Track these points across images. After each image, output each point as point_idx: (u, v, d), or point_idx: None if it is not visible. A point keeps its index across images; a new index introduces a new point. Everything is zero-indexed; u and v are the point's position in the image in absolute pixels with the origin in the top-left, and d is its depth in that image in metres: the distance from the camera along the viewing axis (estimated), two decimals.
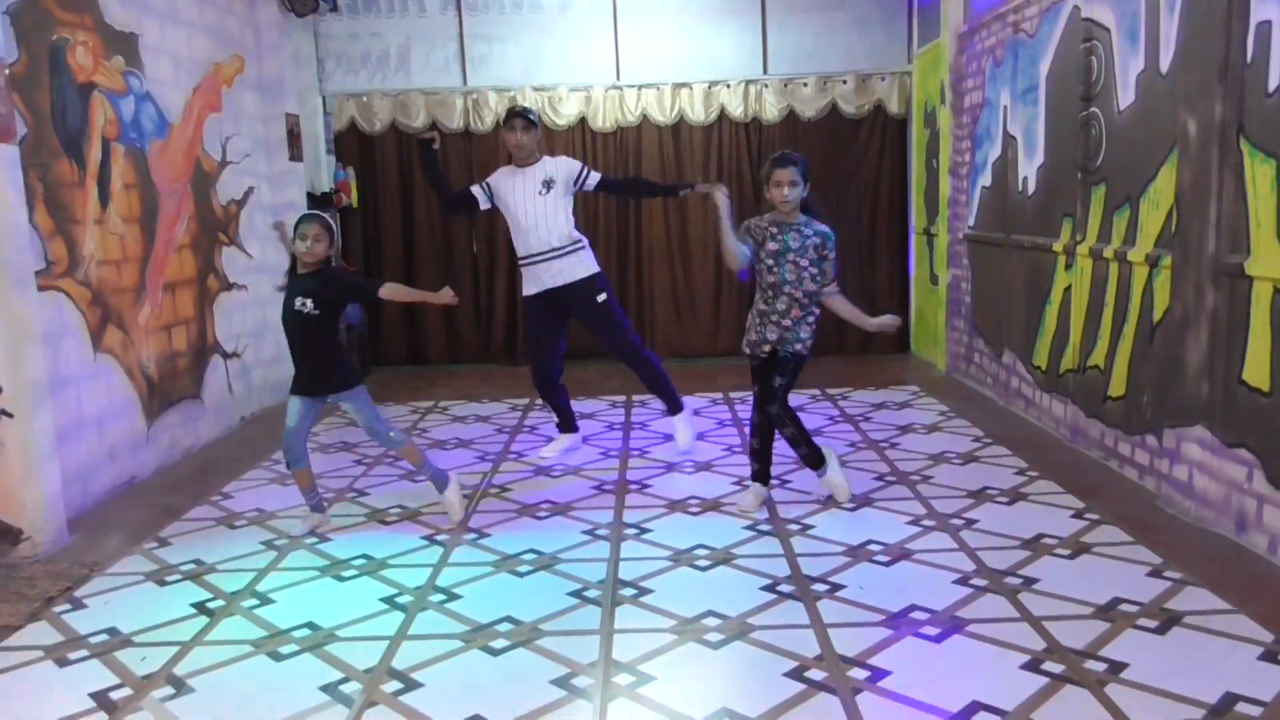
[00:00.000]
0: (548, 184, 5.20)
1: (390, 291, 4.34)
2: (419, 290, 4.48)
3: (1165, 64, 4.35)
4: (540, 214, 5.19)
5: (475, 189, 5.35)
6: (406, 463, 4.51)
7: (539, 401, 6.22)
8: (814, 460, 4.48)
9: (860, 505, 4.49)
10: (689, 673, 3.02)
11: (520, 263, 5.34)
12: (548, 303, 5.29)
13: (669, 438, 5.93)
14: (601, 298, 5.30)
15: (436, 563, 4.00)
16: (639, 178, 5.25)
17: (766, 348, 4.33)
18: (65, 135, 4.85)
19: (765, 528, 4.26)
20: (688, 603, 3.50)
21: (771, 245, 4.27)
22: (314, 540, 4.33)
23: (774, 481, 4.91)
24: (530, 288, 5.31)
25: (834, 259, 4.32)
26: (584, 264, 5.29)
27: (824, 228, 4.31)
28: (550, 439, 5.77)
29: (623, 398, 7.08)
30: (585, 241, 5.36)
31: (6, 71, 4.21)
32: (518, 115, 5.21)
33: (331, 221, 4.31)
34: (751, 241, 4.30)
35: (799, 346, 4.32)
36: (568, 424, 5.62)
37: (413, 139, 8.44)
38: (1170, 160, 4.29)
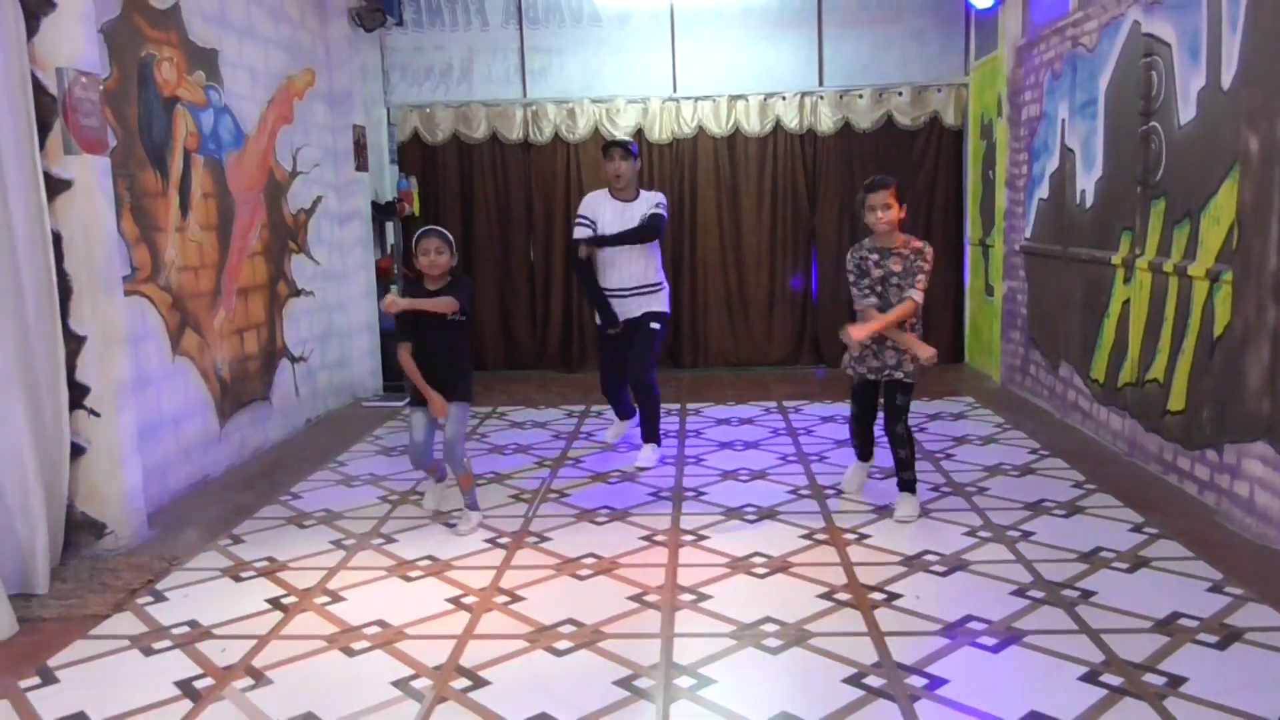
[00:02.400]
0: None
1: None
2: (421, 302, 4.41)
3: (1227, 81, 4.32)
4: (630, 252, 5.33)
5: (583, 231, 5.38)
6: (458, 486, 4.63)
7: (595, 406, 6.23)
8: (912, 484, 4.53)
9: (917, 515, 4.51)
10: (749, 676, 3.07)
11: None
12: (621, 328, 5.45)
13: (724, 445, 5.98)
14: (655, 325, 5.42)
15: (499, 565, 4.10)
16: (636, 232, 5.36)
17: (886, 373, 4.40)
18: (151, 147, 5.05)
19: (821, 536, 4.30)
20: (746, 609, 3.56)
21: (876, 272, 4.34)
22: (380, 541, 4.45)
23: (829, 491, 4.95)
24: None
25: (925, 269, 4.32)
26: (659, 303, 5.45)
27: (920, 243, 4.36)
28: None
29: (676, 405, 7.14)
30: (667, 286, 5.52)
31: (101, 86, 4.40)
32: (616, 145, 5.33)
33: (449, 235, 4.47)
34: (861, 277, 4.39)
35: (913, 366, 4.38)
36: (626, 412, 5.82)
37: (473, 148, 8.61)
38: (1232, 176, 4.26)
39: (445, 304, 4.36)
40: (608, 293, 5.41)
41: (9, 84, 3.93)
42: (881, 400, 4.53)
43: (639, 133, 8.45)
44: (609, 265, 5.39)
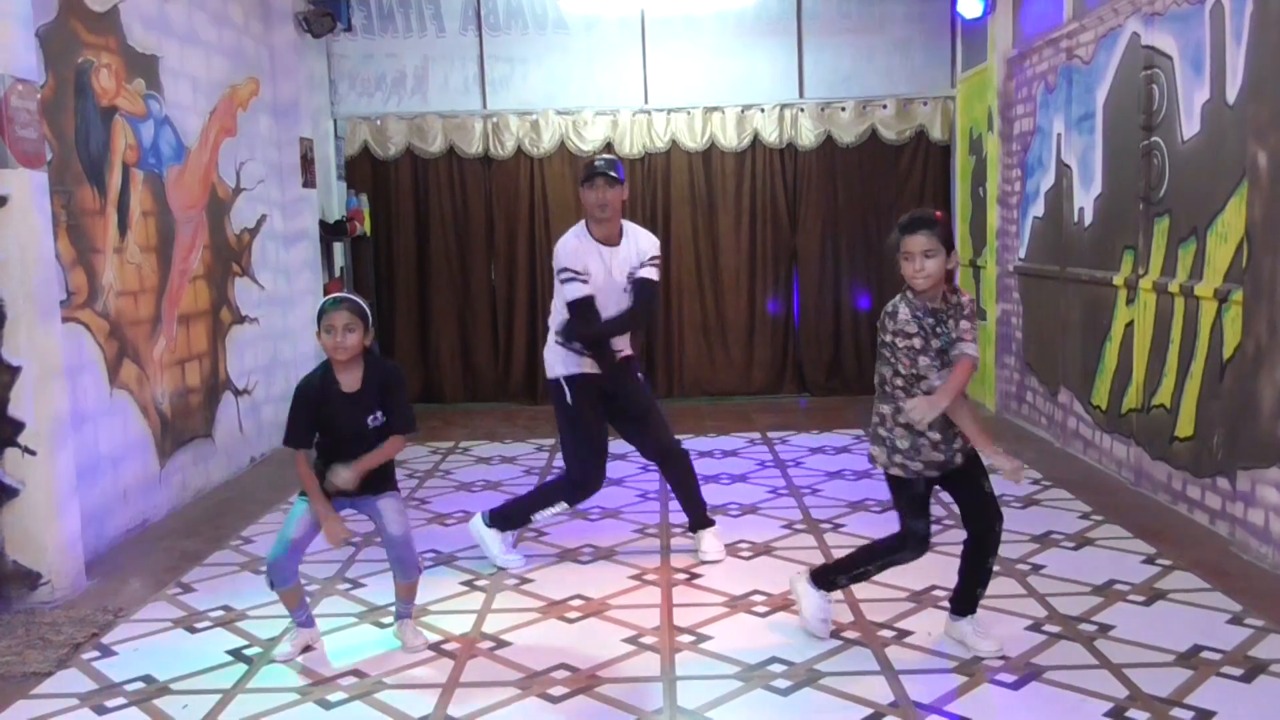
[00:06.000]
0: (631, 278, 4.62)
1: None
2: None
3: (1232, 95, 4.56)
4: (618, 296, 4.63)
5: (583, 290, 4.54)
6: (400, 595, 3.94)
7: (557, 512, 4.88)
8: (973, 604, 3.68)
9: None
10: (761, 719, 3.16)
11: (564, 342, 4.67)
12: (596, 387, 4.66)
13: (707, 479, 6.07)
14: (641, 376, 4.83)
15: (480, 608, 4.15)
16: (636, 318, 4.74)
17: (960, 459, 3.55)
18: (88, 161, 5.07)
19: None
20: (750, 649, 3.65)
21: (935, 343, 3.41)
22: (347, 586, 4.47)
23: (827, 526, 5.06)
24: (574, 367, 4.65)
25: (971, 320, 3.53)
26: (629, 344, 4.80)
27: (966, 295, 3.55)
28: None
29: None
30: None
31: (38, 95, 4.43)
32: (599, 173, 4.53)
33: (364, 306, 3.71)
34: (928, 341, 3.43)
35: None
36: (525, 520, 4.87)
37: (428, 163, 8.70)
38: (1239, 192, 4.49)
39: (389, 451, 3.77)
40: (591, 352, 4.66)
41: None
42: (958, 498, 3.64)
43: (608, 146, 8.58)
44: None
